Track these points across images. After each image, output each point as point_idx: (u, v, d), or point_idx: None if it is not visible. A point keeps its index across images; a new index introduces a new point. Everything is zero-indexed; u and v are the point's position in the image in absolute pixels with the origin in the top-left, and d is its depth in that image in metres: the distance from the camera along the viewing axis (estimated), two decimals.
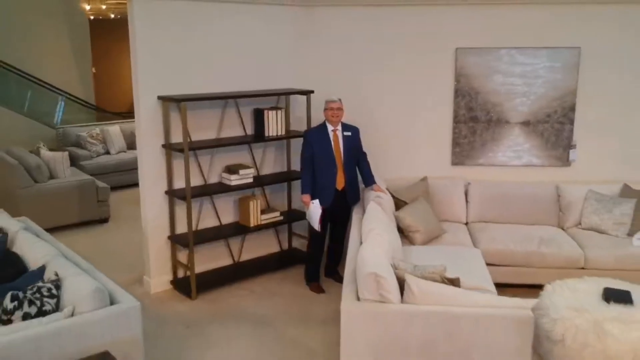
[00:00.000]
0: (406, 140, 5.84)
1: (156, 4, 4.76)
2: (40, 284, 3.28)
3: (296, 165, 5.72)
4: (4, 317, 3.08)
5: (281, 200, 5.92)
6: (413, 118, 5.80)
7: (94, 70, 11.38)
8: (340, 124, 5.06)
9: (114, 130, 9.30)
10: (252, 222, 5.36)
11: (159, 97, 4.88)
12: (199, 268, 5.38)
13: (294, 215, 5.74)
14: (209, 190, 5.12)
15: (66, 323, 3.03)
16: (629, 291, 3.89)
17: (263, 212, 5.45)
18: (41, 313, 3.13)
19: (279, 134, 5.47)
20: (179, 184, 5.13)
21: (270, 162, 5.78)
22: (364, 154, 5.24)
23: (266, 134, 5.39)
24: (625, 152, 5.68)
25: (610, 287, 3.96)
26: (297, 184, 5.72)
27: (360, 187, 5.31)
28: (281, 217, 5.57)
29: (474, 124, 5.71)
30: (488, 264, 4.70)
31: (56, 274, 3.39)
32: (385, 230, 4.12)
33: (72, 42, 10.63)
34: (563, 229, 5.41)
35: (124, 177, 8.89)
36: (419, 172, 5.81)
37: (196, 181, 5.26)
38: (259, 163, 5.69)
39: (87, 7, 11.05)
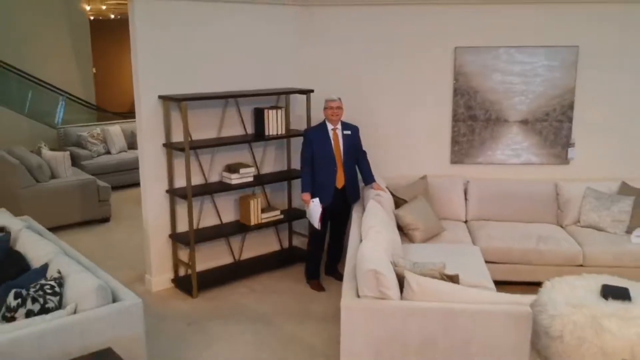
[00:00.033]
0: (405, 139, 5.87)
1: (157, 4, 4.79)
2: (43, 281, 3.31)
3: (296, 164, 5.75)
4: (8, 315, 3.11)
5: (281, 198, 5.95)
6: (412, 117, 5.83)
7: (94, 70, 11.40)
8: (340, 123, 5.09)
9: (115, 130, 9.33)
10: (253, 221, 5.39)
11: (160, 97, 4.91)
12: (200, 266, 5.42)
13: (294, 214, 5.77)
14: (209, 189, 5.15)
15: (69, 320, 3.06)
16: (627, 288, 3.92)
17: (263, 210, 5.48)
18: (44, 310, 3.17)
19: (279, 133, 5.50)
20: (180, 182, 5.16)
21: (271, 161, 5.81)
22: (364, 153, 5.27)
23: (266, 133, 5.42)
24: (623, 150, 5.71)
25: (609, 284, 3.99)
26: (297, 183, 5.75)
27: (360, 185, 5.34)
28: (281, 216, 5.60)
29: (473, 122, 5.74)
30: (487, 262, 4.73)
31: (59, 272, 3.42)
32: (385, 228, 4.16)
33: (73, 43, 10.66)
34: (562, 226, 5.44)
35: (125, 177, 8.92)
36: (418, 170, 5.84)
37: (197, 180, 5.29)
38: (259, 162, 5.72)
39: (87, 8, 11.08)
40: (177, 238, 5.15)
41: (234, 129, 5.47)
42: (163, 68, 4.92)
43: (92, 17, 12.34)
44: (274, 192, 5.88)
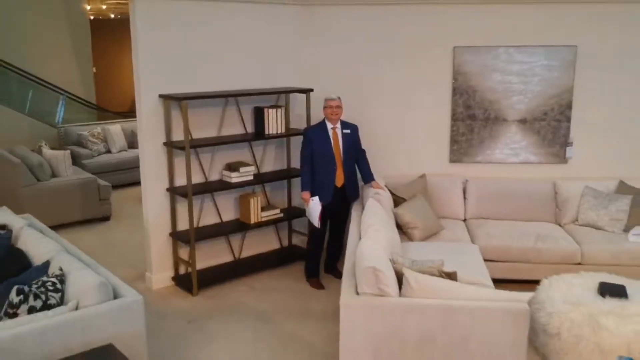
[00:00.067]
0: (405, 138, 5.90)
1: (157, 4, 4.82)
2: (44, 278, 3.34)
3: (296, 163, 5.78)
4: (10, 311, 3.13)
5: (281, 197, 5.98)
6: (411, 116, 5.85)
7: (94, 69, 11.43)
8: (339, 122, 5.12)
9: (115, 129, 9.36)
10: (253, 219, 5.42)
11: (161, 96, 4.94)
12: (200, 264, 5.44)
13: (294, 213, 5.80)
14: (209, 188, 5.18)
15: (71, 316, 3.08)
16: (624, 285, 3.95)
17: (263, 209, 5.51)
18: (46, 307, 3.19)
19: (279, 132, 5.53)
20: (180, 181, 5.19)
21: (271, 159, 5.84)
22: (363, 152, 5.30)
23: (266, 132, 5.45)
24: (621, 149, 5.74)
25: (606, 282, 4.01)
26: (297, 182, 5.78)
27: (360, 184, 5.37)
28: (281, 214, 5.63)
29: (472, 121, 5.77)
30: (486, 260, 4.76)
31: (60, 269, 3.45)
32: (384, 226, 4.18)
33: (73, 42, 10.69)
34: (560, 225, 5.47)
35: (125, 176, 8.95)
36: (417, 169, 5.87)
37: (197, 179, 5.32)
38: (259, 161, 5.74)
39: (88, 7, 11.11)
40: (177, 236, 5.18)
41: (234, 128, 5.50)
42: (164, 67, 4.95)
43: (92, 17, 12.37)
44: (274, 190, 5.91)
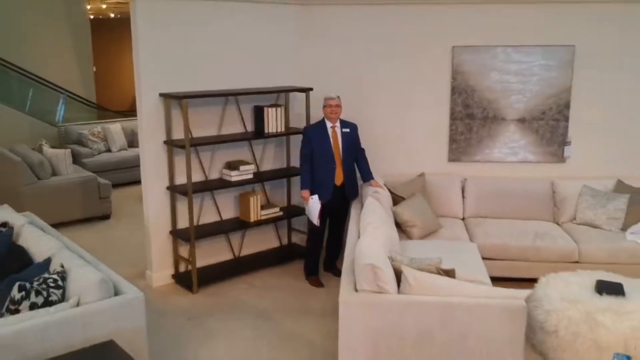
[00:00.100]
0: (404, 137, 5.93)
1: (158, 3, 4.85)
2: (46, 275, 3.36)
3: (295, 162, 5.80)
4: (12, 307, 3.16)
5: (281, 196, 6.01)
6: (410, 115, 5.88)
7: (94, 69, 11.46)
8: (338, 121, 5.15)
9: (115, 128, 9.39)
10: (252, 218, 5.45)
11: (161, 95, 4.97)
12: (200, 262, 5.47)
13: (294, 211, 5.82)
14: (209, 186, 5.21)
15: (72, 313, 3.10)
16: (621, 283, 3.98)
17: (263, 207, 5.54)
18: (47, 303, 3.21)
19: (279, 130, 5.55)
20: (181, 179, 5.21)
21: (270, 158, 5.87)
22: (362, 150, 5.33)
23: (266, 131, 5.47)
24: (619, 148, 5.77)
25: (603, 280, 4.04)
26: (296, 180, 5.80)
27: (359, 183, 5.39)
28: (281, 213, 5.66)
29: (471, 121, 5.80)
30: (484, 258, 4.78)
31: (62, 266, 3.48)
32: (383, 225, 4.21)
33: (73, 42, 10.72)
34: (558, 223, 5.50)
35: (125, 175, 8.98)
36: (416, 168, 5.90)
37: (197, 177, 5.35)
38: (259, 159, 5.77)
39: (88, 7, 11.14)
40: (177, 234, 5.21)
41: (234, 127, 5.53)
42: (164, 67, 4.97)
43: (92, 16, 12.40)
44: (274, 189, 5.94)
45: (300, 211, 5.76)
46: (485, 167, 5.89)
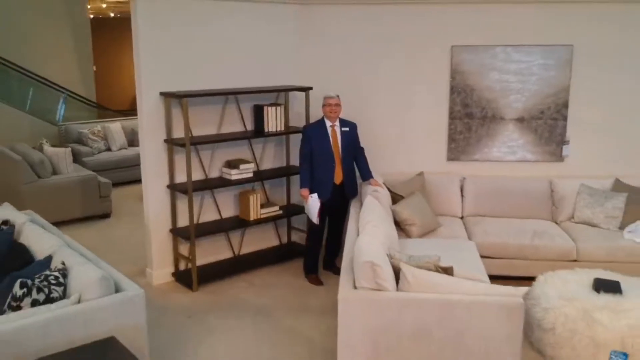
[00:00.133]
0: (403, 136, 5.95)
1: (158, 3, 4.87)
2: (47, 272, 3.39)
3: (295, 161, 5.83)
4: (14, 304, 3.18)
5: (280, 194, 6.03)
6: (410, 114, 5.91)
7: (94, 68, 11.49)
8: (338, 120, 5.17)
9: (115, 127, 9.41)
10: (252, 216, 5.47)
11: (161, 93, 4.99)
12: (200, 261, 5.50)
13: (293, 210, 5.85)
14: (209, 185, 5.23)
15: (73, 310, 3.13)
16: (618, 281, 4.01)
17: (263, 206, 5.56)
18: (49, 300, 3.24)
19: (279, 129, 5.58)
20: (181, 178, 5.24)
21: (270, 157, 5.89)
22: (362, 149, 5.35)
23: (266, 130, 5.50)
24: (617, 147, 5.80)
25: (600, 278, 4.07)
26: (296, 179, 5.83)
27: (358, 181, 5.42)
28: (280, 211, 5.68)
29: (470, 120, 5.82)
30: (483, 257, 4.81)
31: (63, 263, 3.50)
32: (382, 223, 4.23)
33: (74, 41, 10.74)
34: (556, 222, 5.52)
35: (125, 174, 9.00)
36: (415, 167, 5.93)
37: (197, 175, 5.37)
38: (258, 158, 5.80)
39: (88, 7, 11.16)
40: (177, 233, 5.23)
41: (233, 126, 5.55)
42: (164, 66, 5.00)
43: (92, 16, 12.42)
44: (273, 188, 5.96)
45: (299, 210, 5.79)
46: (484, 166, 5.92)
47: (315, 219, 5.05)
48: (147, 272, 5.37)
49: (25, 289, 3.20)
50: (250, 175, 5.44)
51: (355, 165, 5.32)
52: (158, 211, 5.19)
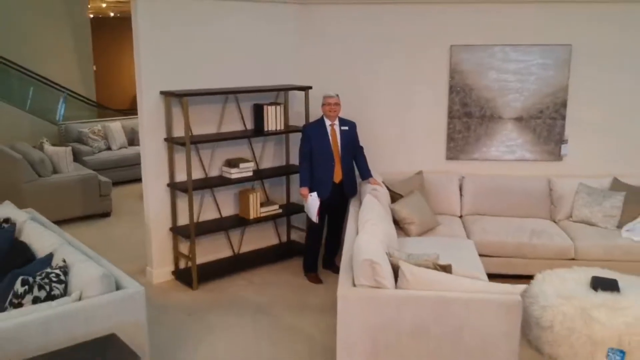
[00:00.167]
0: (402, 135, 5.98)
1: (159, 2, 4.89)
2: (48, 270, 3.41)
3: (295, 159, 5.85)
4: (15, 301, 3.20)
5: (280, 193, 6.06)
6: (409, 114, 5.93)
7: (94, 68, 11.51)
8: (337, 119, 5.19)
9: (115, 126, 9.43)
10: (252, 215, 5.50)
11: (162, 92, 5.01)
12: (200, 259, 5.52)
13: (293, 208, 5.87)
14: (209, 183, 5.25)
15: (74, 307, 3.15)
16: (616, 280, 4.03)
17: (262, 205, 5.58)
18: (50, 297, 3.26)
19: (278, 128, 5.60)
20: (181, 177, 5.26)
21: (270, 156, 5.91)
22: (361, 148, 5.37)
23: (265, 129, 5.52)
24: (615, 146, 5.82)
25: (598, 276, 4.09)
26: (295, 178, 5.85)
27: (357, 180, 5.44)
28: (280, 210, 5.70)
29: (468, 119, 5.84)
30: (481, 255, 4.84)
31: (64, 261, 3.52)
32: (381, 222, 4.25)
33: (74, 41, 10.77)
34: (554, 221, 5.55)
35: (125, 173, 9.03)
36: (414, 166, 5.95)
37: (197, 174, 5.39)
38: (258, 157, 5.82)
39: (88, 6, 11.18)
40: (177, 231, 5.25)
41: (233, 125, 5.57)
42: (165, 65, 5.02)
43: (92, 15, 12.44)
44: (273, 186, 5.99)
45: (299, 209, 5.81)
46: (482, 165, 5.94)
47: (314, 217, 5.07)
48: (147, 271, 5.39)
49: (26, 287, 3.23)
50: (250, 174, 5.46)
51: (354, 164, 5.34)
52: (158, 210, 5.22)
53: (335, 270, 5.43)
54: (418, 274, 3.43)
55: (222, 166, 5.52)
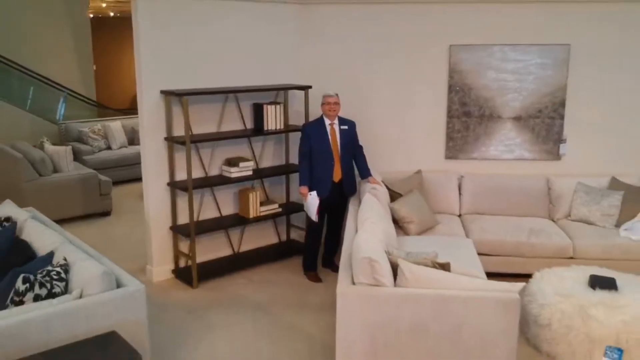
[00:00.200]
0: (401, 135, 5.99)
1: (159, 2, 4.91)
2: (49, 268, 3.43)
3: (294, 159, 5.87)
4: (16, 299, 3.22)
5: (280, 192, 6.08)
6: (408, 113, 5.95)
7: (94, 67, 11.52)
8: (337, 118, 5.21)
9: (115, 126, 9.45)
10: (252, 214, 5.51)
11: (162, 92, 5.03)
12: (200, 258, 5.54)
13: (292, 207, 5.89)
14: (209, 182, 5.27)
15: (75, 304, 3.16)
16: (614, 278, 4.05)
17: (262, 204, 5.60)
18: (51, 295, 3.28)
19: (278, 128, 5.62)
20: (181, 176, 5.28)
21: (269, 155, 5.93)
22: (360, 147, 5.39)
23: (265, 128, 5.53)
24: (614, 145, 5.84)
25: (596, 275, 4.12)
26: (295, 177, 5.87)
27: (357, 179, 5.46)
28: (280, 209, 5.72)
29: (467, 118, 5.86)
30: (480, 254, 4.86)
31: (65, 259, 3.54)
32: (381, 220, 4.27)
33: (74, 40, 10.78)
34: (553, 220, 5.57)
35: (125, 172, 9.04)
36: (413, 165, 5.97)
37: (197, 173, 5.41)
38: (258, 156, 5.84)
39: (88, 6, 11.19)
40: (177, 230, 5.27)
41: (233, 124, 5.59)
42: (165, 65, 5.04)
43: (92, 15, 12.45)
44: (273, 185, 6.01)
45: (299, 207, 5.83)
46: (481, 165, 5.96)
47: (314, 216, 5.09)
48: (147, 269, 5.41)
49: (27, 284, 3.24)
50: (250, 173, 5.48)
51: (354, 163, 5.35)
52: (158, 209, 5.23)
53: (335, 269, 5.45)
54: (417, 272, 3.45)
55: (222, 165, 5.54)
